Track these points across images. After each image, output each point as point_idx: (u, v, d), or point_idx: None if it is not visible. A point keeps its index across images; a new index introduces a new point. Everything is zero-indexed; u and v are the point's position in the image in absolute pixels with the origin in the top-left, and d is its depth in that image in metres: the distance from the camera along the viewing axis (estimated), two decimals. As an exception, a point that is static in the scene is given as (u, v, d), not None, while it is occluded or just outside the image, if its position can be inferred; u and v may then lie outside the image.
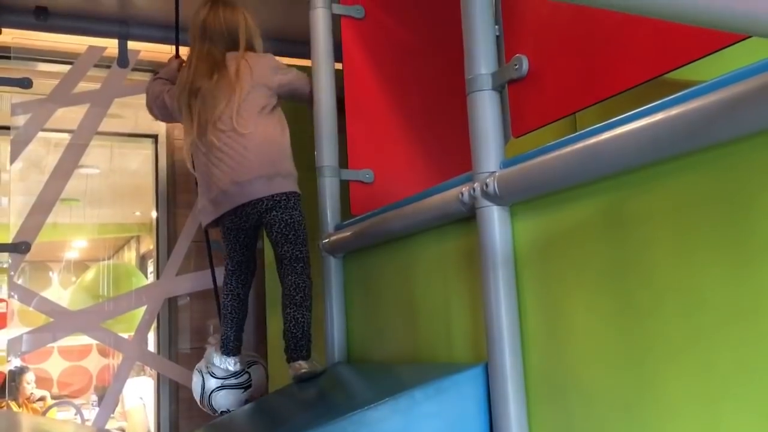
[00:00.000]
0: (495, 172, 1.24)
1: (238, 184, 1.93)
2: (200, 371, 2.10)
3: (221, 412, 2.08)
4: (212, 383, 2.06)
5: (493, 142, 1.26)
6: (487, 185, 1.22)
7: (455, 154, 2.00)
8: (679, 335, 0.93)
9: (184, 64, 2.13)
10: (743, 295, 0.84)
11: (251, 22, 2.11)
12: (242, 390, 2.11)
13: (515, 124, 1.28)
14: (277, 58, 2.13)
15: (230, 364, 2.07)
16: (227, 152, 1.95)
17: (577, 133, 1.07)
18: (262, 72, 2.02)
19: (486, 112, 1.27)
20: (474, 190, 1.26)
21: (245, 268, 2.12)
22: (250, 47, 2.08)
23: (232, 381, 2.08)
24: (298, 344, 1.84)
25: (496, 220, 1.24)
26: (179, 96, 2.06)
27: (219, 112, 1.96)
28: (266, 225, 1.98)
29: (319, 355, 1.92)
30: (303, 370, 1.78)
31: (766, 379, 0.81)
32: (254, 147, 1.94)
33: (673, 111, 0.90)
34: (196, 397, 2.12)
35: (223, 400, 2.07)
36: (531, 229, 1.22)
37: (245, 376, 2.10)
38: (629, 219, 1.02)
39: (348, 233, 1.78)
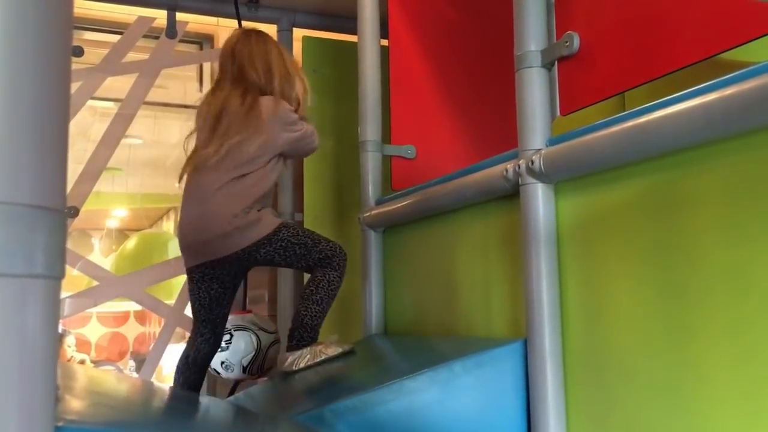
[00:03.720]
0: (541, 149, 1.24)
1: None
2: None
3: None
4: None
5: (540, 119, 1.26)
6: (532, 162, 1.23)
7: (497, 131, 2.00)
8: (724, 320, 0.93)
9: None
10: (793, 278, 0.84)
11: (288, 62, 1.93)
12: (219, 350, 2.12)
13: (563, 102, 1.28)
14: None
15: None
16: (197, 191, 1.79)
17: (627, 112, 1.07)
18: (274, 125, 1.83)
19: (534, 90, 1.27)
20: (519, 167, 1.26)
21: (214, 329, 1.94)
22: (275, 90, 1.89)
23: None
24: (291, 335, 1.77)
25: (540, 197, 1.24)
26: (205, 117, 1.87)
27: (234, 144, 1.78)
28: (263, 263, 1.84)
29: (358, 328, 1.95)
30: (285, 365, 1.74)
31: (812, 362, 0.81)
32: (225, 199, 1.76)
33: (728, 91, 0.89)
34: None
35: None
36: (575, 207, 1.22)
37: (226, 336, 2.09)
38: (677, 200, 1.01)
39: (389, 208, 1.80)
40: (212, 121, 1.82)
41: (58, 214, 0.32)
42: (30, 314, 0.30)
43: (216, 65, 2.01)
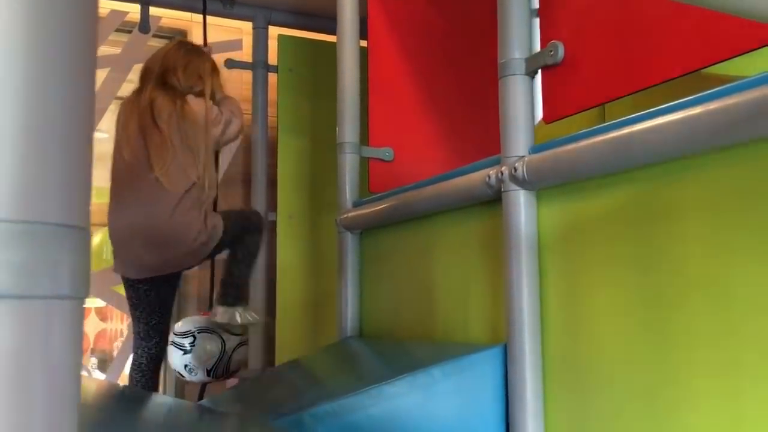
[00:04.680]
0: (524, 156, 1.24)
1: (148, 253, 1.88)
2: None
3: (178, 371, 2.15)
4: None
5: (523, 126, 1.27)
6: (515, 169, 1.23)
7: (475, 135, 2.01)
8: (705, 329, 0.94)
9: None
10: (774, 291, 0.85)
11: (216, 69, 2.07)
12: (182, 352, 2.14)
13: (547, 110, 1.29)
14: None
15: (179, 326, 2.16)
16: (146, 207, 1.87)
17: (611, 122, 1.08)
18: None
19: (518, 97, 1.28)
20: (502, 173, 1.27)
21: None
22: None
23: (176, 339, 2.13)
24: (226, 292, 2.00)
25: (522, 204, 1.25)
26: (134, 110, 1.94)
27: (184, 153, 1.88)
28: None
29: (331, 329, 1.94)
30: (217, 317, 1.97)
31: (791, 373, 0.83)
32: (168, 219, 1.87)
33: (713, 105, 0.90)
34: None
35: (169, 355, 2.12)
36: (557, 215, 1.23)
37: (189, 339, 2.11)
38: (659, 211, 1.03)
39: (367, 210, 1.80)
40: (142, 126, 1.88)
41: (83, 232, 0.31)
42: (56, 336, 0.29)
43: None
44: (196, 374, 2.15)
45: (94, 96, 0.34)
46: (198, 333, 2.14)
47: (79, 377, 0.31)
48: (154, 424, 1.08)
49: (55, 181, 0.29)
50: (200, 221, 1.90)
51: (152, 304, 1.93)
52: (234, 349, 2.22)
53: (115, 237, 1.91)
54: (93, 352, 6.86)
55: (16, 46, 0.28)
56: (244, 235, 2.02)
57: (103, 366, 3.53)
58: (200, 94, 1.98)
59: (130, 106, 1.94)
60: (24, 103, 0.28)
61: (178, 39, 2.25)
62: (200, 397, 2.38)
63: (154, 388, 1.99)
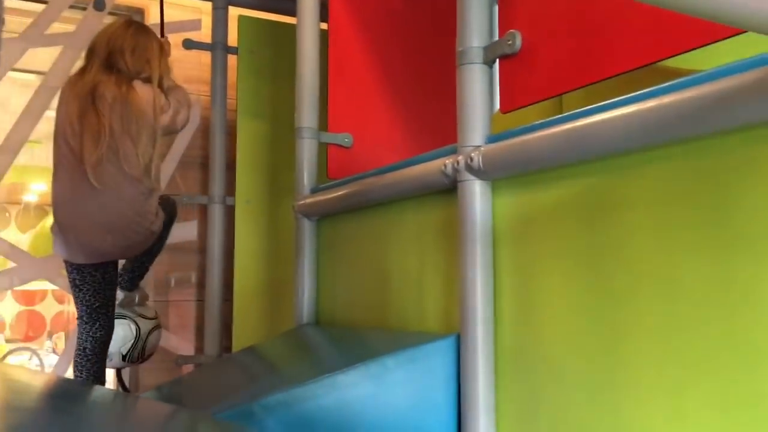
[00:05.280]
0: (480, 146, 1.24)
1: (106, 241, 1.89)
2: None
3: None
4: None
5: (480, 116, 1.26)
6: (471, 159, 1.22)
7: (436, 123, 2.00)
8: (652, 323, 0.95)
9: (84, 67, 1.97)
10: (720, 289, 0.86)
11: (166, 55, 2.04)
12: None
13: (504, 100, 1.28)
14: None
15: None
16: (107, 195, 1.85)
17: (566, 114, 1.07)
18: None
19: (475, 86, 1.27)
20: (458, 163, 1.26)
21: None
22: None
23: None
24: (133, 278, 2.17)
25: (477, 194, 1.24)
26: (76, 91, 1.89)
27: (123, 141, 1.85)
28: None
29: (289, 316, 1.92)
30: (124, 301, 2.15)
31: (733, 373, 0.84)
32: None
33: (666, 99, 0.90)
34: None
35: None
36: (511, 205, 1.22)
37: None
38: (611, 203, 1.03)
39: (324, 197, 1.77)
40: (81, 109, 1.84)
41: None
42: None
43: None
44: (111, 359, 2.14)
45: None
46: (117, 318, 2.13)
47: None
48: (83, 419, 1.05)
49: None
50: (155, 208, 1.89)
51: (97, 285, 1.91)
52: (149, 333, 2.21)
53: (67, 223, 1.86)
54: (50, 334, 6.75)
55: None
56: (167, 226, 2.11)
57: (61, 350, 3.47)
58: (148, 80, 1.93)
59: (73, 88, 1.88)
60: None
61: (125, 18, 2.18)
62: (121, 382, 2.37)
63: (101, 373, 1.96)
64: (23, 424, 0.72)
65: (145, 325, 2.21)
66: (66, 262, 1.92)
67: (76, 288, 1.91)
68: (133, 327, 2.18)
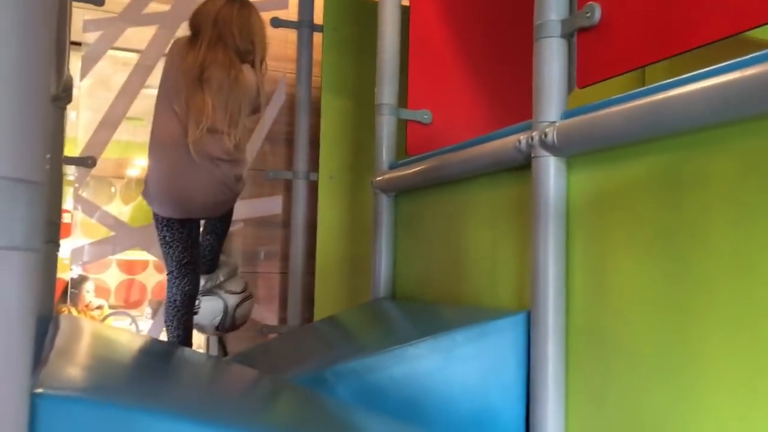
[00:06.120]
0: (555, 122, 1.22)
1: (207, 204, 2.03)
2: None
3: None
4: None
5: (556, 91, 1.24)
6: (546, 135, 1.21)
7: (515, 100, 1.97)
8: (729, 305, 0.92)
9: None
10: (799, 267, 0.82)
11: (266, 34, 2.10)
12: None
13: (581, 74, 1.25)
14: None
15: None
16: (202, 164, 1.95)
17: (644, 88, 1.04)
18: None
19: (552, 60, 1.24)
20: (532, 139, 1.25)
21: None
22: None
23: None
24: (211, 266, 2.26)
25: (551, 170, 1.23)
26: (185, 73, 1.95)
27: (223, 121, 1.94)
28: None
29: (366, 289, 1.96)
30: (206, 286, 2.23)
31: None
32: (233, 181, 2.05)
33: (749, 71, 0.86)
34: None
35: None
36: (586, 182, 1.20)
37: (196, 302, 2.24)
38: (689, 181, 1.00)
39: (402, 173, 1.79)
40: (188, 84, 1.93)
41: (36, 186, 0.32)
42: (7, 286, 0.30)
43: None
44: (206, 331, 2.37)
45: (50, 51, 0.34)
46: (202, 296, 2.29)
47: (31, 326, 0.32)
48: (171, 374, 1.12)
49: (7, 136, 0.30)
50: (240, 174, 2.06)
51: (185, 242, 2.04)
52: (237, 306, 2.35)
53: (163, 180, 1.98)
54: (150, 302, 7.11)
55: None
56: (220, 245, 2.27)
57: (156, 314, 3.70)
58: (251, 60, 2.03)
59: (183, 62, 1.95)
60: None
61: None
62: (222, 345, 2.60)
63: (190, 323, 2.11)
64: (129, 375, 0.77)
65: (232, 300, 2.36)
66: (156, 219, 2.04)
67: (167, 245, 2.04)
68: (221, 303, 2.35)
